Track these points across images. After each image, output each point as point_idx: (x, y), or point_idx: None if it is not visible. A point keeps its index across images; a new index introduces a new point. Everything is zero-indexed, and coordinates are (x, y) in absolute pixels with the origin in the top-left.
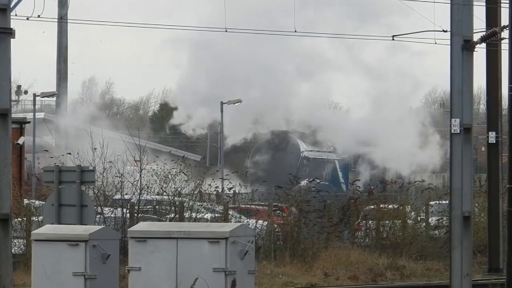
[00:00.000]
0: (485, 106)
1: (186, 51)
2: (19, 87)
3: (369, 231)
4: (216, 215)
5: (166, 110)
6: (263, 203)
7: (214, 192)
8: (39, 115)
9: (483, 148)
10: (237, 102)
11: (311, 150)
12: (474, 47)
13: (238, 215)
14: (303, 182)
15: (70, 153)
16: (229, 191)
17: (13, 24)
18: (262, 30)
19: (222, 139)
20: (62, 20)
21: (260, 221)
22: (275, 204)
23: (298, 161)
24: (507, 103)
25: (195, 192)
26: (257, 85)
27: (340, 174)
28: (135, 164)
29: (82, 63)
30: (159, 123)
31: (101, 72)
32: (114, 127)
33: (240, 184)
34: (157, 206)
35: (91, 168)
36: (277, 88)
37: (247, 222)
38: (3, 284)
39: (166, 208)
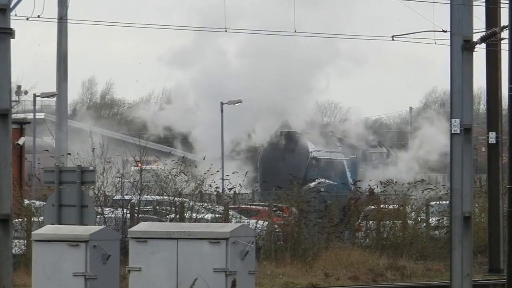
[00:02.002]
0: (485, 106)
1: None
2: (19, 87)
3: (370, 231)
4: (217, 215)
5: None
6: (263, 203)
7: (215, 193)
8: (39, 115)
9: (483, 149)
10: (237, 103)
11: (319, 150)
12: (474, 47)
13: (239, 216)
14: (312, 184)
15: (70, 154)
16: (229, 191)
17: (13, 24)
18: (261, 30)
19: (223, 139)
20: (62, 20)
21: (260, 222)
22: (275, 204)
23: (307, 162)
24: (507, 104)
25: (196, 193)
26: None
27: (348, 174)
28: (138, 165)
29: (82, 63)
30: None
31: (101, 72)
32: (114, 127)
33: (240, 184)
34: (157, 207)
35: (91, 168)
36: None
37: (248, 222)
38: (3, 284)
39: (166, 209)
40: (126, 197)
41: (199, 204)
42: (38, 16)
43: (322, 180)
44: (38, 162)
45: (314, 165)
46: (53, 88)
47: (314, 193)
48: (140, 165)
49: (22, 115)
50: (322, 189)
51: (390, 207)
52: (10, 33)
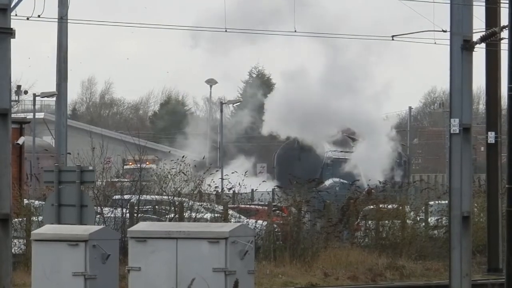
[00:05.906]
0: (485, 106)
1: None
2: (19, 87)
3: (369, 231)
4: (216, 215)
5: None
6: (263, 203)
7: (214, 192)
8: (39, 115)
9: (482, 148)
10: (236, 103)
11: (334, 150)
12: (474, 47)
13: (238, 215)
14: (327, 183)
15: (70, 153)
16: (228, 191)
17: (13, 24)
18: (261, 30)
19: (222, 139)
20: (62, 20)
21: (259, 221)
22: (275, 204)
23: (322, 162)
24: (506, 103)
25: (195, 192)
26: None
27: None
28: (130, 163)
29: (81, 62)
30: (159, 123)
31: (100, 72)
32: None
33: (239, 184)
34: (156, 206)
35: (90, 168)
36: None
37: (247, 222)
38: (3, 284)
39: (165, 208)
40: (126, 196)
41: (198, 203)
42: (39, 16)
43: (337, 179)
44: (37, 162)
45: (329, 164)
46: (52, 86)
47: (314, 192)
48: (132, 163)
49: (21, 115)
50: (336, 189)
51: (389, 206)
52: (10, 33)
